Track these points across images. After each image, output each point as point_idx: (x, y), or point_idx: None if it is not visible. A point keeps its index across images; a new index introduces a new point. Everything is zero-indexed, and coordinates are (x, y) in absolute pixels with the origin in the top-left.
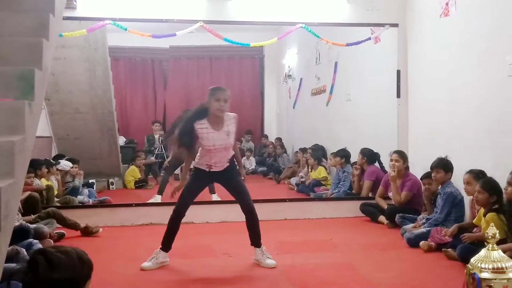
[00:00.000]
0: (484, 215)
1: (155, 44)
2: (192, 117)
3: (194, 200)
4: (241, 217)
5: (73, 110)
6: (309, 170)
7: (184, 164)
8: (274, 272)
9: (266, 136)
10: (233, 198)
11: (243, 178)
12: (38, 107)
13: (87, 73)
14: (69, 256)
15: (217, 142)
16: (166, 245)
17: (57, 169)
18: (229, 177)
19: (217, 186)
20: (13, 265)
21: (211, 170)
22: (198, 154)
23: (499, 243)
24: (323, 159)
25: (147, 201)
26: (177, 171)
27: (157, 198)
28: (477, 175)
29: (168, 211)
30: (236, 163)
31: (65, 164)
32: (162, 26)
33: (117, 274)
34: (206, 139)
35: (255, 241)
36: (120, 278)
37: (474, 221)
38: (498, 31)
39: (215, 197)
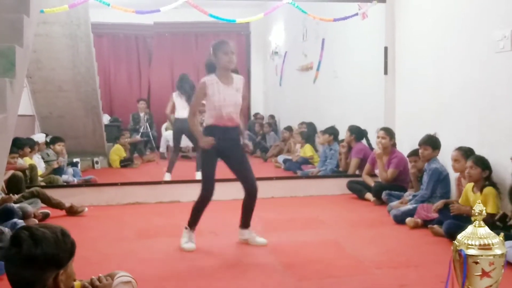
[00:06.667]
0: (480, 190)
1: (139, 20)
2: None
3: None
4: (227, 195)
5: (56, 88)
6: (300, 147)
7: (191, 124)
8: (261, 250)
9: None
10: (219, 177)
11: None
12: (20, 85)
13: (70, 50)
14: (53, 232)
15: (227, 97)
16: (193, 224)
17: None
18: (236, 149)
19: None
20: None
21: (224, 125)
22: (206, 115)
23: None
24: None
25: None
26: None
27: (167, 176)
28: (466, 153)
29: (153, 191)
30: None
31: (38, 136)
32: (146, 2)
33: (102, 253)
34: (218, 93)
35: (247, 222)
36: (105, 257)
37: (459, 201)
38: (485, 7)
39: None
